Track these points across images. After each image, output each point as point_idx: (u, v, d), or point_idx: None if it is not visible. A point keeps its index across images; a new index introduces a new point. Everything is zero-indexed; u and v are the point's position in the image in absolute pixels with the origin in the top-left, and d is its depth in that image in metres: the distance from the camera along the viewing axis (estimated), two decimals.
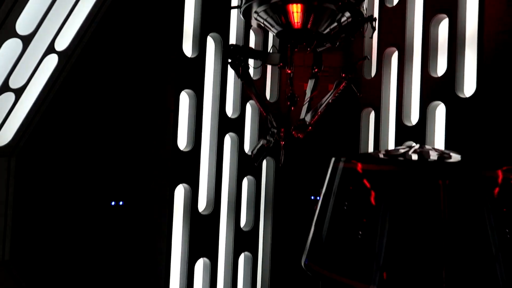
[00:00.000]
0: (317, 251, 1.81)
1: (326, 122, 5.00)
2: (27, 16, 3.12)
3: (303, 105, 4.06)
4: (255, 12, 3.69)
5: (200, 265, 5.59)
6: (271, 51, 4.92)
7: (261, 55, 4.31)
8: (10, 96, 3.52)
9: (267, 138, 4.09)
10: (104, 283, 4.82)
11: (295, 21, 3.66)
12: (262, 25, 3.93)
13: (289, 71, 3.87)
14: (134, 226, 5.03)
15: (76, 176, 4.68)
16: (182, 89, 5.38)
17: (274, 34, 4.01)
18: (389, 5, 5.91)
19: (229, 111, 5.81)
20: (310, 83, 4.01)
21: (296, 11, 3.63)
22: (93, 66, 4.64)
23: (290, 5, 3.60)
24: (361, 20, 3.72)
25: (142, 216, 5.07)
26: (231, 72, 5.71)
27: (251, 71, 4.14)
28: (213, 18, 5.56)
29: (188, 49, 5.48)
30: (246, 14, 3.88)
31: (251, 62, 4.55)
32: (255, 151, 4.26)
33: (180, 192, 5.45)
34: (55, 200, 4.53)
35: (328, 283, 1.77)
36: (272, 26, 3.84)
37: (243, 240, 5.95)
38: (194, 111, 5.47)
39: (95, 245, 4.77)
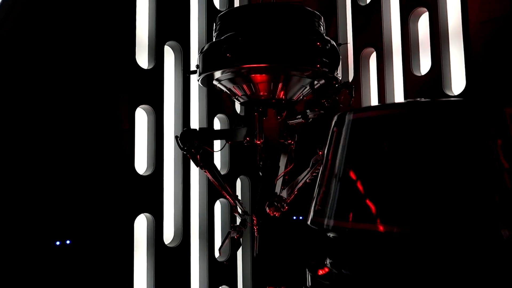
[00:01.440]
0: (339, 206, 1.82)
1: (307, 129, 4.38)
2: None
3: (276, 179, 3.57)
4: (217, 79, 3.22)
5: None
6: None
7: (224, 134, 3.80)
8: None
9: (237, 229, 3.57)
10: None
11: (262, 91, 3.23)
12: (225, 91, 3.44)
13: (259, 142, 3.39)
14: (86, 268, 4.23)
15: (10, 213, 3.89)
16: (138, 105, 4.71)
17: (239, 103, 3.56)
18: (362, 4, 5.46)
19: (195, 126, 5.14)
20: (283, 157, 3.54)
21: (262, 81, 3.14)
22: (31, 82, 3.93)
23: (256, 75, 3.14)
24: (338, 88, 3.31)
25: (95, 256, 4.28)
26: (194, 83, 5.10)
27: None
28: (170, 25, 4.97)
29: (143, 60, 4.86)
30: (206, 80, 3.38)
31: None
32: (223, 247, 3.75)
33: (141, 223, 4.71)
34: None
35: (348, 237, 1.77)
36: (236, 95, 3.37)
37: (219, 272, 5.21)
38: (153, 129, 4.79)
39: None
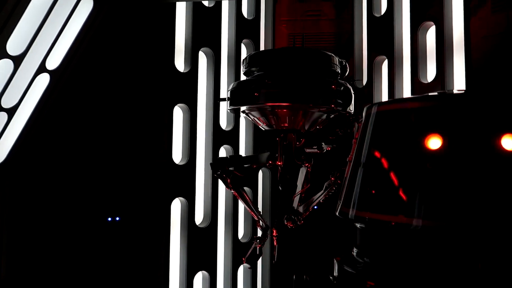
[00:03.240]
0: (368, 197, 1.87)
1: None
2: (18, 36, 3.20)
3: (294, 196, 3.96)
4: (243, 111, 3.67)
5: (199, 278, 5.57)
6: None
7: (250, 159, 4.25)
8: (3, 116, 3.58)
9: (258, 240, 3.96)
10: None
11: (284, 122, 3.64)
12: (251, 120, 3.90)
13: (280, 163, 3.80)
14: (131, 242, 5.04)
15: (71, 194, 4.71)
16: (176, 104, 5.44)
17: (263, 130, 3.97)
18: (376, 15, 6.01)
19: (223, 123, 5.86)
20: (300, 178, 3.94)
21: (284, 115, 3.58)
22: (85, 83, 4.71)
23: (279, 110, 3.53)
24: (351, 121, 3.62)
25: (138, 232, 5.08)
26: (224, 85, 5.79)
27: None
28: (204, 33, 5.66)
29: (180, 64, 5.57)
30: (234, 110, 3.85)
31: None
32: (248, 255, 4.16)
33: (176, 206, 5.47)
34: (50, 218, 4.56)
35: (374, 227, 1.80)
36: (261, 124, 3.82)
37: (242, 252, 5.94)
38: (188, 124, 5.52)
39: (92, 262, 4.78)
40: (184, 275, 5.39)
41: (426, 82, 5.40)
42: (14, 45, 3.27)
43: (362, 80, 5.91)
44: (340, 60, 3.60)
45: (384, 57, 5.94)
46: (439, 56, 5.27)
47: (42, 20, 3.47)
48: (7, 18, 3.04)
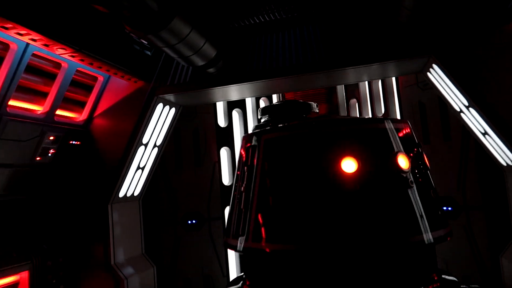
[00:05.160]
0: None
1: None
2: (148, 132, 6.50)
3: None
4: None
5: None
6: None
7: None
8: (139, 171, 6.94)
9: None
10: None
11: None
12: None
13: None
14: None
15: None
16: (222, 147, 8.71)
17: None
18: None
19: None
20: None
21: None
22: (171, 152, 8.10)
23: None
24: None
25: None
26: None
27: None
28: (236, 102, 8.92)
29: (221, 121, 8.86)
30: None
31: None
32: None
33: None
34: None
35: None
36: None
37: None
38: (230, 160, 8.77)
39: None
40: None
41: (380, 115, 8.34)
42: (145, 137, 6.60)
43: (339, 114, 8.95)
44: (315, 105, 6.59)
45: (355, 100, 8.96)
46: (385, 98, 8.22)
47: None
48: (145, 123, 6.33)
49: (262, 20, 5.46)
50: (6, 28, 4.02)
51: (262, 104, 9.47)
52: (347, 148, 2.74)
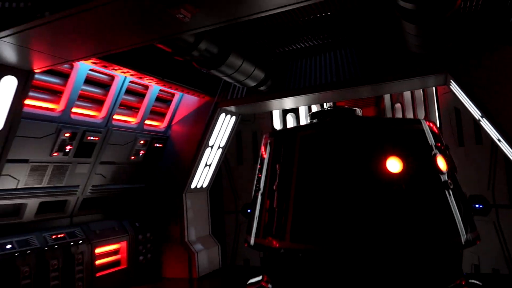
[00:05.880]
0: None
1: None
2: (213, 136, 8.11)
3: None
4: None
5: None
6: None
7: None
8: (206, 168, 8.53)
9: None
10: None
11: None
12: None
13: None
14: None
15: None
16: None
17: None
18: None
19: None
20: None
21: None
22: (234, 150, 9.61)
23: None
24: None
25: None
26: None
27: None
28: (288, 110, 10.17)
29: (277, 124, 10.17)
30: None
31: None
32: None
33: None
34: None
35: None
36: None
37: None
38: None
39: None
40: None
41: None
42: (211, 140, 8.18)
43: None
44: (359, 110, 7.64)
45: (399, 104, 9.75)
46: (425, 104, 8.94)
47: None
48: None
49: (302, 46, 6.67)
50: (115, 69, 5.76)
51: (314, 108, 10.63)
52: (388, 148, 2.65)
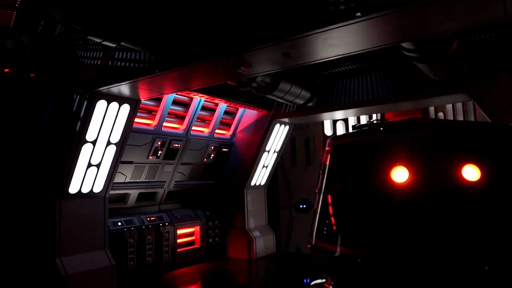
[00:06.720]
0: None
1: None
2: (270, 143, 9.80)
3: None
4: None
5: None
6: None
7: None
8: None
9: None
10: None
11: None
12: None
13: None
14: None
15: None
16: None
17: None
18: None
19: None
20: None
21: None
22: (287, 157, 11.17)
23: None
24: None
25: None
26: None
27: None
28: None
29: (327, 130, 11.52)
30: None
31: None
32: None
33: None
34: None
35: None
36: None
37: None
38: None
39: None
40: None
41: None
42: (268, 146, 9.83)
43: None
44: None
45: (441, 113, 10.62)
46: (463, 114, 9.77)
47: None
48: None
49: (343, 69, 8.02)
50: (195, 95, 7.63)
51: (362, 118, 11.80)
52: (455, 155, 2.44)
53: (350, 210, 2.64)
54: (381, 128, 3.08)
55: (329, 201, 2.82)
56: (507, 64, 6.66)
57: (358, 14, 3.60)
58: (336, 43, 4.36)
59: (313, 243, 2.81)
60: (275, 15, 4.15)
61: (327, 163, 3.07)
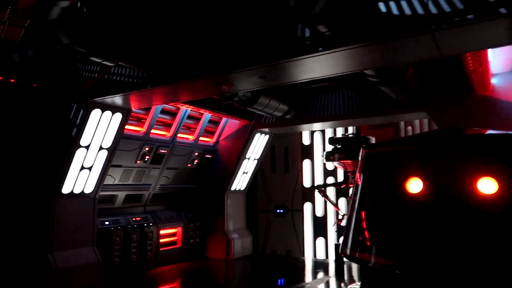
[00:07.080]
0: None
1: None
2: (250, 151, 10.51)
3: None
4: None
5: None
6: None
7: (333, 184, 10.62)
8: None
9: (339, 219, 9.99)
10: None
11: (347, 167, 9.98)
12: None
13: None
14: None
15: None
16: (304, 159, 12.14)
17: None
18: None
19: (329, 166, 12.28)
20: None
21: (347, 164, 10.08)
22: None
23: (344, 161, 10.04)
24: None
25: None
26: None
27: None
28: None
29: (305, 140, 12.30)
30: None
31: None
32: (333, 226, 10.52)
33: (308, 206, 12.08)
34: None
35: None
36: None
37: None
38: (310, 169, 12.14)
39: None
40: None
41: None
42: (248, 153, 10.56)
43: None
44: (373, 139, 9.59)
45: (410, 127, 11.51)
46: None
47: None
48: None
49: (318, 86, 8.81)
50: (181, 106, 8.28)
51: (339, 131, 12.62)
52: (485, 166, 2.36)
53: (384, 221, 2.56)
54: (425, 138, 2.99)
55: (363, 210, 2.77)
56: (458, 87, 7.52)
57: (320, 48, 4.34)
58: (305, 69, 5.10)
59: (347, 253, 2.77)
60: (253, 45, 4.87)
61: (361, 171, 2.95)
